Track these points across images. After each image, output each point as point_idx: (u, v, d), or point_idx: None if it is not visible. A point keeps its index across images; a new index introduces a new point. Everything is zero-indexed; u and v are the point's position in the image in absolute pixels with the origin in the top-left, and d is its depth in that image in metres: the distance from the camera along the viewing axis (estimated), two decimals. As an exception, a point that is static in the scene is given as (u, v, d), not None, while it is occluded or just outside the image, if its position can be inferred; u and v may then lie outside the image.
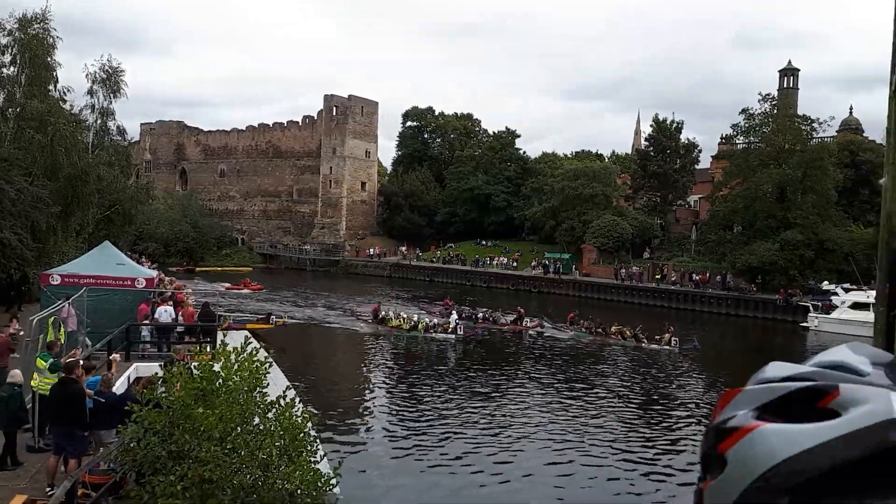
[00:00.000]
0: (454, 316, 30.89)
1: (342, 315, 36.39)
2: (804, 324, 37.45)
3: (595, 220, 55.22)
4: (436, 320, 30.85)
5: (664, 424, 17.56)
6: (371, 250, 70.10)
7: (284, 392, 7.80)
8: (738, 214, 45.97)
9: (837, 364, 0.74)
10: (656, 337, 28.92)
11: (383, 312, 31.65)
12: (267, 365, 7.87)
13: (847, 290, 35.95)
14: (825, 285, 38.12)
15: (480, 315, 33.24)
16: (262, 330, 27.06)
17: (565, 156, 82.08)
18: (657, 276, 48.04)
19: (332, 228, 76.42)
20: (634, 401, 20.16)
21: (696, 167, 60.48)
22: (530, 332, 31.63)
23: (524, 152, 77.25)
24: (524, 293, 53.25)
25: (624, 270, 49.71)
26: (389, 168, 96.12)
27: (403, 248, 70.19)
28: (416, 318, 30.01)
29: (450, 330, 29.03)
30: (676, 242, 57.74)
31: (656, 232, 57.18)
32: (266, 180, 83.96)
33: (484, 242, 70.01)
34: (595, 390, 21.13)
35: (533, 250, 63.55)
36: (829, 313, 36.09)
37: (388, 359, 25.87)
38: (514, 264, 59.45)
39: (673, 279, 46.98)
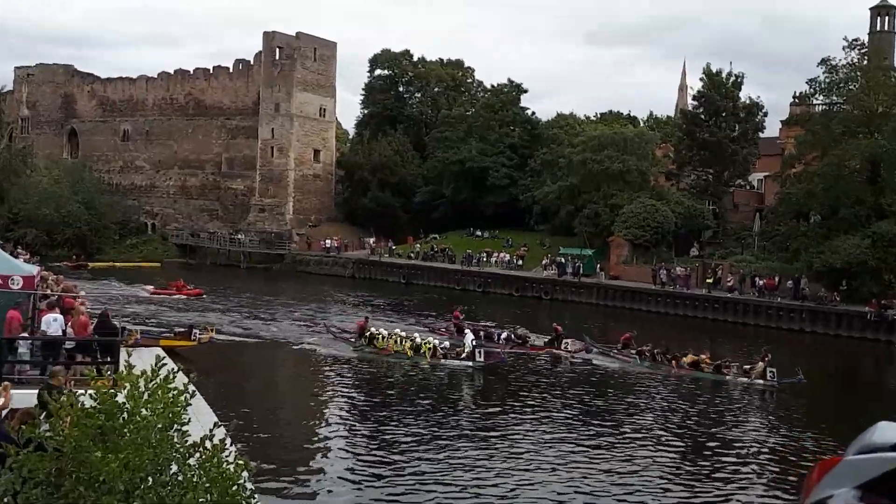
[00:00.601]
0: (470, 336, 30.47)
1: (300, 328, 36.07)
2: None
3: (627, 205, 55.44)
4: (446, 342, 30.55)
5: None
6: (327, 242, 69.89)
7: (212, 431, 7.63)
8: (816, 199, 46.19)
9: None
10: (745, 367, 28.66)
11: (372, 329, 31.12)
12: (188, 395, 7.71)
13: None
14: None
15: (505, 335, 32.98)
16: (182, 348, 27.03)
17: (587, 118, 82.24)
18: (708, 280, 48.37)
19: (274, 212, 76.16)
20: (725, 462, 19.07)
21: (761, 135, 60.87)
22: (571, 357, 31.51)
23: (533, 113, 77.74)
24: (532, 301, 53.41)
25: (665, 272, 49.97)
26: (352, 132, 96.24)
27: (371, 240, 70.07)
28: (418, 339, 29.77)
29: (465, 355, 28.81)
30: (734, 235, 58.07)
31: (708, 221, 57.52)
32: (185, 146, 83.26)
33: (479, 233, 70.19)
34: (667, 446, 20.16)
35: (544, 244, 63.68)
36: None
37: (369, 392, 25.05)
38: (520, 262, 59.63)
39: (729, 284, 47.28)
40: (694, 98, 61.35)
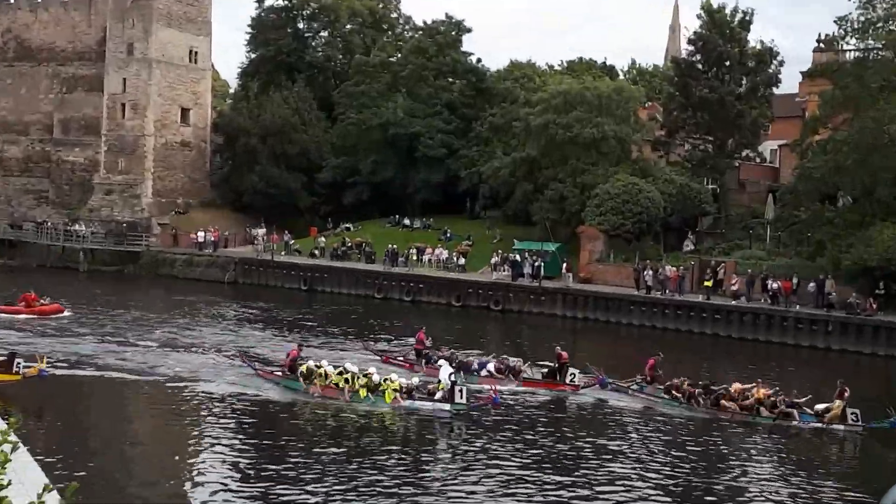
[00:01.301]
0: (447, 369, 29.78)
1: (193, 356, 35.17)
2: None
3: (602, 185, 55.82)
4: (414, 379, 29.88)
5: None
6: (200, 235, 68.88)
7: (41, 497, 7.53)
8: (846, 175, 47.19)
9: None
10: (817, 408, 28.46)
11: (309, 362, 30.44)
12: (8, 448, 7.58)
13: None
14: None
15: (491, 365, 32.52)
16: (1, 383, 26.57)
17: (550, 68, 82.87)
18: (707, 284, 49.11)
19: (126, 194, 74.84)
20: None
21: (776, 92, 62.23)
22: (580, 392, 31.36)
23: (479, 61, 77.86)
24: (478, 313, 53.39)
25: (651, 273, 50.70)
26: (235, 84, 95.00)
27: (261, 232, 69.22)
28: (376, 376, 29.08)
29: (440, 395, 28.28)
30: (740, 224, 59.11)
31: (706, 205, 58.41)
32: (2, 103, 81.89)
33: (407, 222, 70.19)
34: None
35: (494, 237, 63.86)
36: None
37: (299, 450, 23.19)
38: (461, 261, 59.71)
39: (734, 288, 48.10)
40: (689, 42, 61.84)
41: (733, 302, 47.66)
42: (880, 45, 48.61)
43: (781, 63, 60.52)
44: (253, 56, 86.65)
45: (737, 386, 29.81)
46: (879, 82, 46.82)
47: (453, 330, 46.48)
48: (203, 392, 29.53)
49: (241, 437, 24.77)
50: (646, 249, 54.98)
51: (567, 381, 31.81)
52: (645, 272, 50.65)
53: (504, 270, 56.65)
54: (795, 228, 51.68)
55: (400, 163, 72.51)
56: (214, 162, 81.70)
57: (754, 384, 29.89)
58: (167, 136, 76.58)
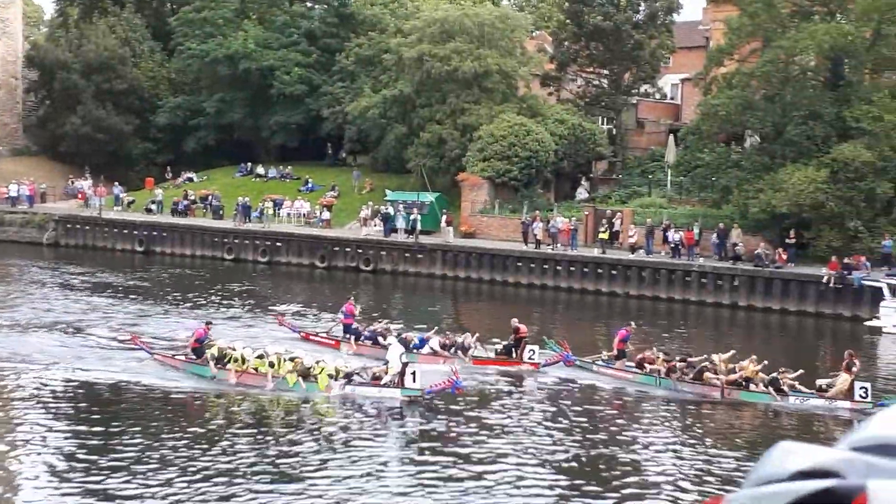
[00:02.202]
0: (397, 348, 28.54)
1: (62, 336, 33.49)
2: (872, 321, 40.14)
3: (485, 126, 55.97)
4: (353, 362, 28.76)
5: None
6: (13, 188, 66.97)
7: None
8: (754, 112, 48.24)
9: (879, 443, 0.88)
10: (822, 383, 28.30)
11: (217, 343, 29.20)
12: None
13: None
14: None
15: (434, 342, 31.43)
16: None
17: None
18: (602, 236, 49.79)
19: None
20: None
21: (676, 18, 63.36)
22: (540, 371, 30.73)
23: (342, -18, 77.06)
24: (345, 275, 53.07)
25: (540, 225, 51.08)
26: (51, 10, 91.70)
27: (86, 184, 67.61)
28: (307, 359, 27.89)
29: (387, 380, 27.11)
30: (639, 168, 60.21)
31: (601, 148, 59.17)
32: None
33: (261, 171, 69.36)
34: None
35: (363, 187, 63.73)
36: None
37: (209, 458, 21.13)
38: (325, 215, 59.22)
39: (632, 240, 48.96)
40: (581, -37, 62.68)
41: (631, 256, 48.47)
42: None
43: (683, -13, 61.51)
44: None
45: (721, 357, 29.31)
46: (790, 8, 47.99)
47: (318, 295, 46.03)
48: (87, 381, 27.56)
49: (140, 436, 22.50)
50: (535, 199, 55.43)
51: (526, 358, 30.98)
52: (534, 224, 51.00)
53: (375, 225, 56.40)
54: (698, 173, 52.71)
55: (251, 102, 71.42)
56: (27, 102, 79.48)
57: (729, 354, 29.61)
58: (-31, 72, 73.75)
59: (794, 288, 44.08)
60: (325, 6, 74.11)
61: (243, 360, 28.19)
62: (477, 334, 32.40)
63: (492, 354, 31.84)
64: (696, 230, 47.64)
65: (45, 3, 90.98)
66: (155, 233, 60.19)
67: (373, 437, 23.65)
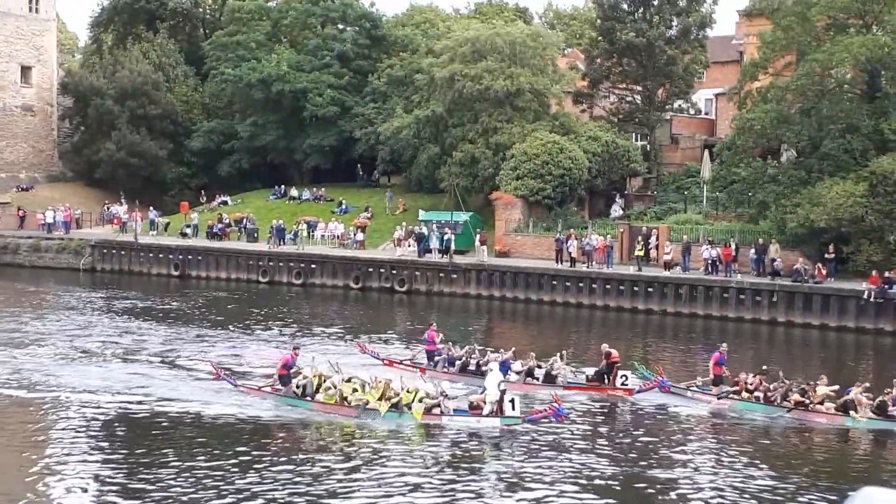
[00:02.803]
0: (496, 376, 26.81)
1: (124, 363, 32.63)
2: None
3: (518, 145, 55.90)
4: (440, 385, 27.26)
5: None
6: (49, 214, 67.41)
7: None
8: (790, 126, 47.93)
9: None
10: None
11: (305, 371, 28.22)
12: None
13: None
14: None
15: (517, 366, 30.18)
16: None
17: (456, 13, 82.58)
18: (638, 253, 49.58)
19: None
20: None
21: (710, 33, 63.04)
22: (634, 398, 29.51)
23: (373, 5, 77.36)
24: (380, 296, 53.05)
25: (574, 243, 50.90)
26: (85, 37, 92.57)
27: (121, 209, 68.06)
28: (398, 384, 26.72)
29: (488, 409, 25.86)
30: (674, 184, 59.82)
31: (636, 164, 58.94)
32: None
33: (295, 194, 69.47)
34: None
35: (396, 207, 63.65)
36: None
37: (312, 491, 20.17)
38: (359, 237, 59.25)
39: (667, 257, 48.69)
40: (612, -21, 62.66)
41: (666, 273, 48.12)
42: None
43: (716, 1, 61.51)
44: (106, 3, 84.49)
45: (824, 382, 27.83)
46: (825, 21, 47.61)
47: (353, 316, 45.98)
48: (171, 415, 26.24)
49: (229, 470, 21.38)
50: (569, 217, 55.24)
51: (618, 384, 29.85)
52: (568, 243, 50.79)
53: (409, 245, 56.29)
54: (734, 188, 52.30)
55: (284, 125, 71.71)
56: (63, 129, 79.91)
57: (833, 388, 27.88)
58: (5, 100, 75.03)
59: (833, 303, 43.53)
60: (357, 28, 74.32)
61: (334, 388, 27.08)
62: (561, 354, 31.13)
63: (582, 380, 30.67)
64: (733, 246, 47.29)
65: (80, 31, 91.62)
66: (190, 257, 60.42)
67: (470, 469, 22.24)
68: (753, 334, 43.29)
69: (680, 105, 64.78)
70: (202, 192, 73.09)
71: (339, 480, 20.80)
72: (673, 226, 51.41)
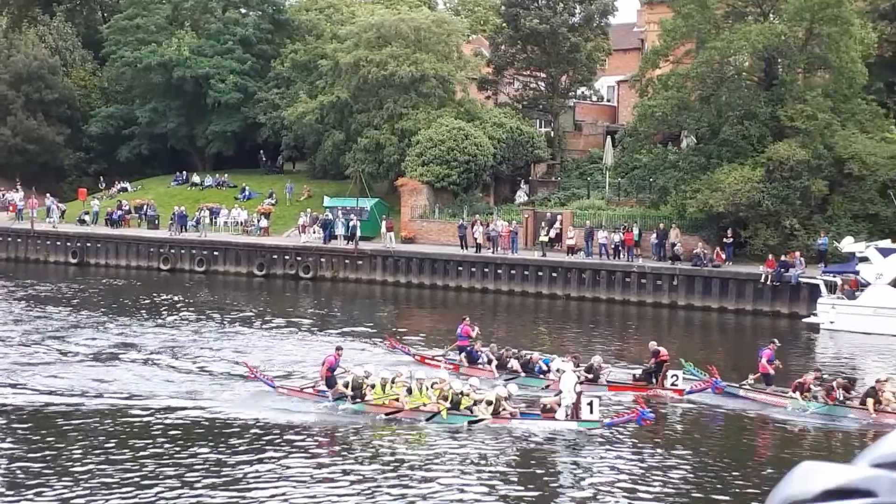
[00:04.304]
0: (570, 379, 24.99)
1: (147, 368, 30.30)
2: (810, 318, 40.52)
3: (423, 130, 56.01)
4: (499, 385, 25.94)
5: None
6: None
7: None
8: (690, 113, 48.85)
9: None
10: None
11: (354, 371, 26.56)
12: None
13: (887, 253, 39.05)
14: (847, 245, 41.09)
15: (564, 363, 27.67)
16: None
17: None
18: (543, 239, 50.10)
19: None
20: None
21: (612, 21, 63.77)
22: (683, 398, 27.88)
23: (276, -12, 76.76)
24: (284, 283, 52.78)
25: (480, 228, 51.13)
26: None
27: (17, 196, 66.80)
28: (455, 385, 25.11)
29: (562, 411, 24.30)
30: (577, 171, 60.53)
31: (540, 151, 59.36)
32: None
33: (197, 180, 68.82)
34: None
35: (300, 195, 63.50)
36: (853, 296, 39.57)
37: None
38: (264, 224, 58.86)
39: (570, 242, 49.21)
40: (516, -34, 62.92)
41: (570, 258, 48.70)
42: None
43: (618, -11, 61.99)
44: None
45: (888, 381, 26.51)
46: (724, 9, 48.49)
47: (257, 303, 45.61)
48: (207, 418, 24.44)
49: (276, 475, 20.07)
50: (474, 203, 55.51)
51: (668, 384, 28.15)
52: (473, 228, 51.05)
53: (314, 232, 56.08)
54: (636, 174, 53.29)
55: (186, 110, 70.89)
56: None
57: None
58: None
59: (732, 286, 44.50)
60: (260, 13, 73.63)
61: (382, 389, 25.54)
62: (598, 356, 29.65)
63: (628, 380, 29.23)
64: (635, 231, 48.00)
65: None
66: (89, 244, 59.38)
67: (546, 474, 21.10)
68: (655, 318, 44.05)
69: (583, 92, 65.52)
70: (101, 178, 71.89)
71: (407, 486, 19.52)
72: (576, 211, 52.02)
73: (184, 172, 70.14)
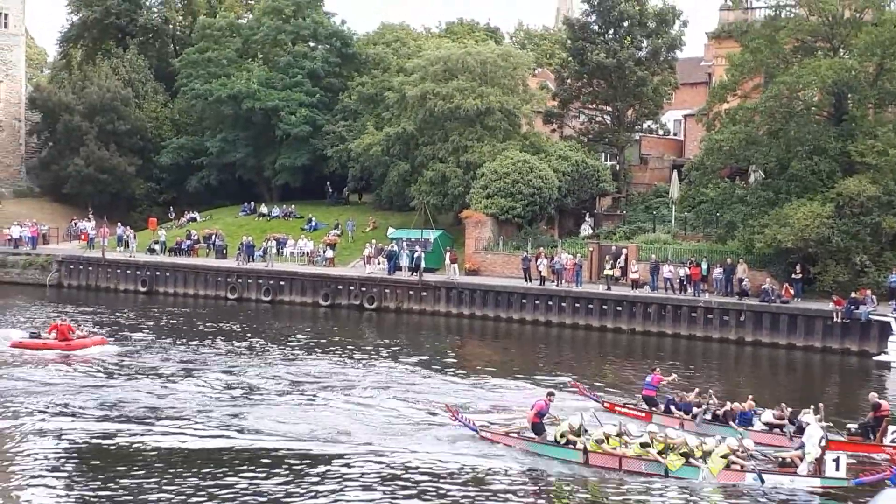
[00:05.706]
0: (816, 432, 23.17)
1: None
2: (880, 356, 40.08)
3: (488, 163, 56.05)
4: (746, 439, 24.18)
5: None
6: (15, 229, 66.99)
7: None
8: (758, 148, 48.33)
9: None
10: None
11: (569, 421, 24.99)
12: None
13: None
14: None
15: (768, 415, 26.80)
16: None
17: (427, 31, 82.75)
18: (607, 272, 49.81)
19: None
20: None
21: (679, 55, 63.46)
22: None
23: (344, 23, 77.98)
24: (349, 313, 52.98)
25: (544, 261, 51.01)
26: (54, 52, 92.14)
27: (89, 226, 67.77)
28: (686, 436, 23.89)
29: (804, 467, 22.74)
30: (643, 204, 60.09)
31: (605, 184, 59.11)
32: None
33: (264, 210, 69.38)
34: None
35: (367, 225, 63.65)
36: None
37: None
38: (329, 254, 59.14)
39: (635, 276, 48.90)
40: (583, 1, 62.99)
41: (635, 292, 48.35)
42: (793, 2, 49.86)
43: (685, 23, 61.84)
44: (75, 19, 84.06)
45: None
46: (793, 43, 48.08)
47: (322, 334, 45.69)
48: (410, 466, 23.31)
49: None
50: (539, 235, 55.42)
51: (888, 441, 25.48)
52: (538, 261, 50.91)
53: (379, 263, 56.28)
54: (703, 208, 52.70)
55: (255, 142, 71.66)
56: (30, 144, 79.49)
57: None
58: (-28, 115, 74.05)
59: (800, 323, 43.81)
60: (328, 46, 74.36)
61: (608, 440, 24.03)
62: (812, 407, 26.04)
63: (842, 437, 26.33)
64: (702, 266, 47.57)
65: (49, 46, 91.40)
66: (157, 272, 60.31)
67: None
68: (721, 354, 43.52)
69: (649, 126, 65.27)
70: (171, 208, 72.82)
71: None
72: (642, 245, 51.67)
73: (251, 203, 70.94)
